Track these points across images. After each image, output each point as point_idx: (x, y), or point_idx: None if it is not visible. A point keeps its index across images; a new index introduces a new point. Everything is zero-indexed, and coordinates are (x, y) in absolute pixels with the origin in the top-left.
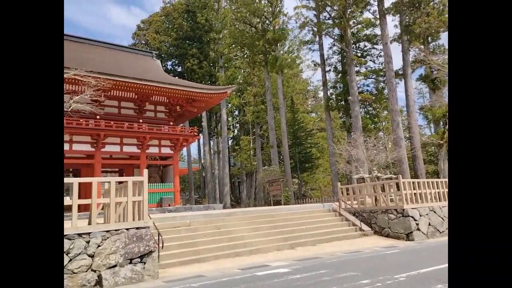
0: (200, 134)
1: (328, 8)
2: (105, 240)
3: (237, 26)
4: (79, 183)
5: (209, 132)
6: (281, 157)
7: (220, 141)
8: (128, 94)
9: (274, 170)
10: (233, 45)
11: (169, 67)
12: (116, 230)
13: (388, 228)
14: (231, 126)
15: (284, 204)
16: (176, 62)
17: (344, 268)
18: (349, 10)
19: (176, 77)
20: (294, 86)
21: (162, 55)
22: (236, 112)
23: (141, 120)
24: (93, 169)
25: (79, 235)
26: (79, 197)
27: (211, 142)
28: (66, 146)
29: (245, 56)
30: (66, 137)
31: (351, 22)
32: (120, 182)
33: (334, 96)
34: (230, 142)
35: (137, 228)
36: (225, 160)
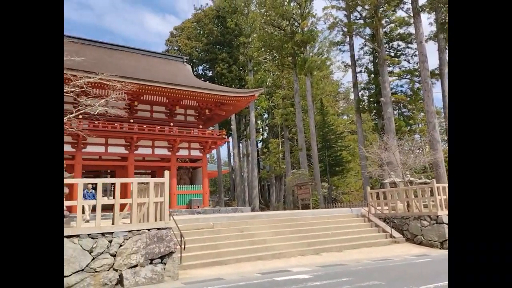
0: (229, 137)
1: (359, 8)
2: (127, 240)
3: (265, 29)
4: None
5: (238, 135)
6: (311, 160)
7: (249, 144)
8: (159, 98)
9: (302, 173)
10: (262, 49)
11: (200, 71)
12: (137, 230)
13: (421, 236)
14: (261, 129)
15: (313, 208)
16: (207, 66)
17: (368, 276)
18: (381, 9)
19: (207, 82)
20: (324, 88)
21: (194, 60)
22: (266, 115)
23: (171, 124)
24: (127, 170)
25: (102, 234)
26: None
27: (240, 145)
28: (101, 149)
29: (274, 59)
30: (102, 140)
31: (383, 21)
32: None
33: (365, 97)
34: (259, 145)
35: (158, 229)
36: (253, 163)
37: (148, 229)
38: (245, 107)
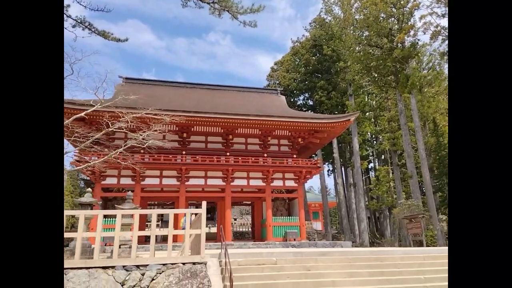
0: (333, 166)
1: None
2: (160, 273)
3: (358, 49)
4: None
5: (343, 164)
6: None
7: (354, 173)
8: (252, 130)
9: (412, 204)
10: (361, 71)
11: (301, 102)
12: (172, 264)
13: None
14: (370, 156)
15: (427, 246)
16: (307, 96)
17: None
18: None
19: (309, 111)
20: (436, 105)
21: (294, 91)
22: (374, 141)
23: (265, 154)
24: (225, 202)
25: (137, 266)
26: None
27: (346, 174)
28: (201, 181)
29: (375, 80)
30: (202, 173)
31: None
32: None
33: None
34: (371, 173)
35: (193, 264)
36: (360, 193)
37: (183, 263)
38: (348, 134)
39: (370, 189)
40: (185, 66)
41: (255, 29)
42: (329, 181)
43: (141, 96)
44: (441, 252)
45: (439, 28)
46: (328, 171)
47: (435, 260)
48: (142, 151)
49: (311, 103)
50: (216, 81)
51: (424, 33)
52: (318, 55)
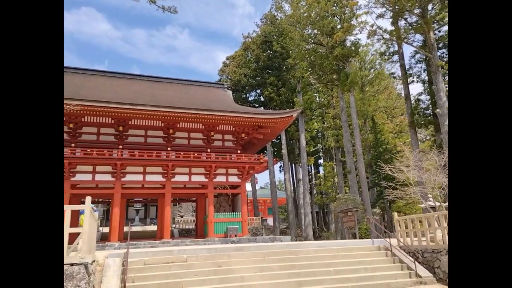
0: (280, 162)
1: (406, 13)
2: None
3: (302, 47)
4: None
5: (292, 160)
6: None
7: (301, 169)
8: (195, 125)
9: (348, 198)
10: (307, 68)
11: (253, 97)
12: None
13: None
14: (318, 152)
15: (360, 238)
16: (259, 92)
17: None
18: (429, 11)
19: (260, 107)
20: (376, 103)
21: (245, 87)
22: (323, 138)
23: (209, 150)
24: (165, 198)
25: None
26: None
27: (296, 170)
28: (140, 177)
29: (320, 77)
30: (140, 169)
31: (434, 24)
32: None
33: (419, 110)
34: (319, 169)
35: (71, 265)
36: (305, 188)
37: None
38: (296, 131)
39: (316, 185)
40: (143, 59)
41: (217, 25)
42: (279, 178)
43: (73, 86)
44: (355, 244)
45: (374, 27)
46: (280, 167)
47: (348, 252)
48: (73, 144)
49: (262, 99)
50: (176, 75)
51: (360, 32)
52: (268, 51)
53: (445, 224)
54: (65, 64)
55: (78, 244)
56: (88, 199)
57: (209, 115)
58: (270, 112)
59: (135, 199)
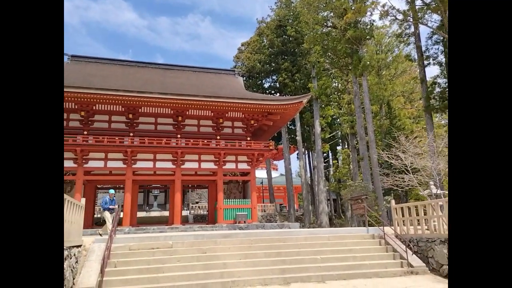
0: (296, 149)
1: None
2: None
3: (316, 29)
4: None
5: (308, 147)
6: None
7: (315, 156)
8: (205, 112)
9: (359, 185)
10: (319, 52)
11: (268, 84)
12: None
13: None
14: (335, 138)
15: (369, 226)
16: (274, 78)
17: None
18: None
19: (276, 93)
20: (393, 88)
21: (260, 73)
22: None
23: (218, 137)
24: (175, 185)
25: None
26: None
27: (311, 157)
28: (150, 164)
29: (333, 61)
30: (151, 156)
31: None
32: None
33: (435, 94)
34: (337, 156)
35: None
36: (319, 175)
37: None
38: (311, 117)
39: (333, 171)
40: (167, 47)
41: (241, 10)
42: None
43: (85, 75)
44: (349, 232)
45: (386, 8)
46: (297, 154)
47: (340, 240)
48: (85, 132)
49: (278, 85)
50: (199, 62)
51: (371, 14)
52: (283, 36)
53: (440, 213)
54: (91, 54)
55: None
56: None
57: (217, 102)
58: (279, 98)
59: (153, 185)
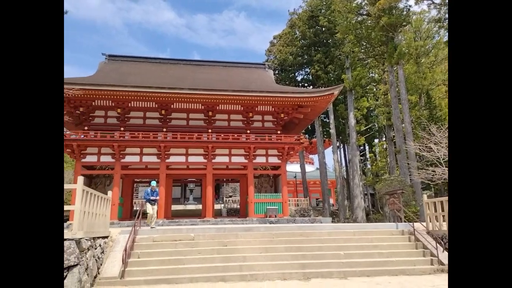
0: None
1: None
2: None
3: (350, 18)
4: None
5: (344, 140)
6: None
7: (350, 149)
8: (234, 106)
9: (395, 179)
10: (353, 41)
11: (301, 76)
12: None
13: None
14: (372, 130)
15: (408, 221)
16: (307, 71)
17: None
18: None
19: (310, 86)
20: (432, 76)
21: (292, 66)
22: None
23: (248, 131)
24: (206, 179)
25: None
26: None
27: (346, 151)
28: (183, 159)
29: (367, 50)
30: (183, 151)
31: None
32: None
33: None
34: (369, 149)
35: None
36: (354, 170)
37: None
38: (346, 109)
39: (370, 165)
40: (204, 44)
41: (276, 4)
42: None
43: (121, 74)
44: (376, 228)
45: None
46: (332, 147)
47: (365, 235)
48: (122, 128)
49: (311, 78)
50: (234, 58)
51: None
52: (316, 26)
53: None
54: (133, 54)
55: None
56: (80, 179)
57: (246, 96)
58: (309, 90)
59: (189, 179)
